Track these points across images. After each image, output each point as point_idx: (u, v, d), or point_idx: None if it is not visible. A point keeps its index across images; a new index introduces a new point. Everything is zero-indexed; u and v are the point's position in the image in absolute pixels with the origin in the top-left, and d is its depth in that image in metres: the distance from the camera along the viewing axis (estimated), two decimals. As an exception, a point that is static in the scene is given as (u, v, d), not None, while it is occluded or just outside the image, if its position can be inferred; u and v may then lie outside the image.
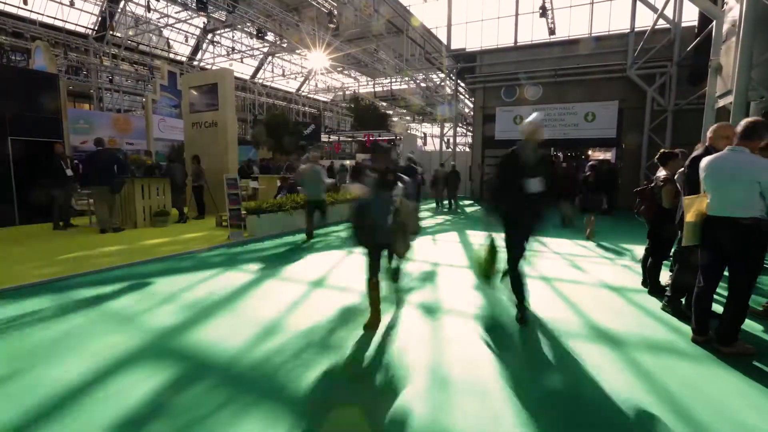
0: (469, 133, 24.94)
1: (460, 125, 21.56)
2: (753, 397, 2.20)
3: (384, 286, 3.18)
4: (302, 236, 6.86)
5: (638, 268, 4.75)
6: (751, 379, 2.37)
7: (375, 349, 2.74)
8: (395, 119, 29.71)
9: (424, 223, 8.64)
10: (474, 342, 2.87)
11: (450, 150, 17.71)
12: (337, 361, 2.56)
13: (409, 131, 30.35)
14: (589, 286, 4.31)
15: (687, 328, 3.01)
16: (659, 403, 2.12)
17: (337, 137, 23.26)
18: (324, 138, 22.98)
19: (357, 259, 5.36)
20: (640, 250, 5.99)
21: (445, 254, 5.78)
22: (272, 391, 2.21)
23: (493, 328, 3.12)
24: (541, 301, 3.69)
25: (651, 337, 2.94)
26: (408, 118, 33.01)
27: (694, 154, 3.10)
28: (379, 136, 18.69)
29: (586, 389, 2.26)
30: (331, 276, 4.54)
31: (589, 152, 16.63)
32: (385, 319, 3.21)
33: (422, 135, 28.74)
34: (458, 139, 18.77)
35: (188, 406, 2.05)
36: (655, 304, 3.65)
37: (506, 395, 2.18)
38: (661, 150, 3.85)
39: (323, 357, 2.61)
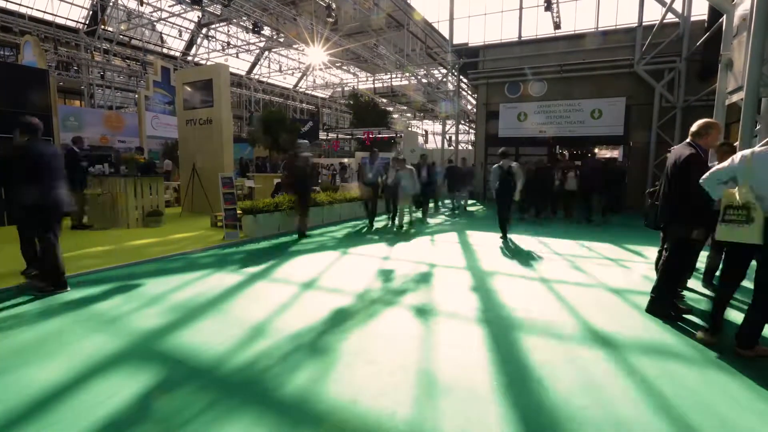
0: (471, 131, 24.71)
1: (463, 122, 21.30)
2: (760, 403, 2.10)
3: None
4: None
5: (641, 270, 4.74)
6: (759, 385, 2.26)
7: (366, 351, 2.64)
8: (396, 116, 29.40)
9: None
10: (468, 345, 2.77)
11: (452, 148, 17.45)
12: (327, 365, 2.47)
13: (409, 128, 30.06)
14: (590, 288, 4.17)
15: (692, 331, 2.97)
16: (661, 411, 2.01)
17: (335, 134, 22.93)
18: (322, 135, 22.64)
19: (350, 261, 5.23)
20: (646, 251, 5.84)
21: (443, 255, 5.58)
22: (259, 394, 2.14)
23: (490, 331, 3.01)
24: (539, 304, 3.60)
25: (654, 342, 2.84)
26: (409, 115, 32.73)
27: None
28: (379, 134, 18.35)
29: (586, 395, 2.16)
30: (324, 277, 4.44)
31: (596, 150, 16.37)
32: (377, 320, 3.21)
33: (423, 132, 28.43)
34: (461, 137, 18.51)
35: (173, 409, 2.00)
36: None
37: (501, 401, 2.10)
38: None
39: (312, 360, 2.53)
